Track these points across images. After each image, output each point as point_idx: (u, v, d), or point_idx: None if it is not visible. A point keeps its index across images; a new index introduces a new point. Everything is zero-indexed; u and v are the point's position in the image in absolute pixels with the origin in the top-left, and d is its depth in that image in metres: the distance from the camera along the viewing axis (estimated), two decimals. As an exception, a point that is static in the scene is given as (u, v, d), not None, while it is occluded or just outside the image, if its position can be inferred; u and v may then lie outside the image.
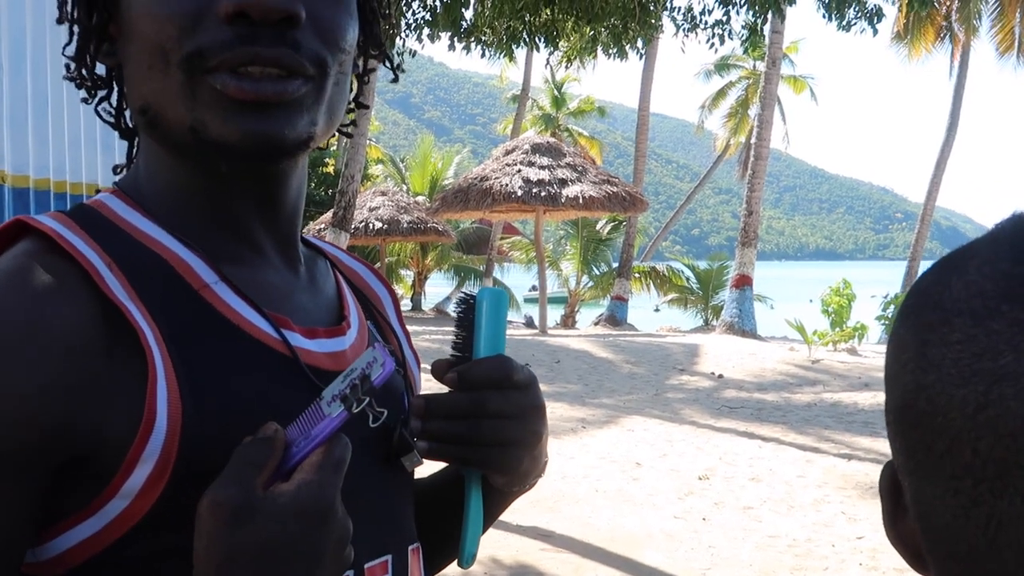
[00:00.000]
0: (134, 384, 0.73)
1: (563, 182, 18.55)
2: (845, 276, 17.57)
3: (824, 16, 10.06)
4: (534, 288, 31.38)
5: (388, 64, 1.03)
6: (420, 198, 27.59)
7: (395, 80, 1.08)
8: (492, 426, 0.89)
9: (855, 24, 10.21)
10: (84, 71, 0.88)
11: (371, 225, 22.25)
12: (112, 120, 0.93)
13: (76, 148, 2.87)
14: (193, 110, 0.78)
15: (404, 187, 30.49)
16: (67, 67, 0.90)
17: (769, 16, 10.84)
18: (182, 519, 0.73)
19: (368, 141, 20.70)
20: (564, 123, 39.92)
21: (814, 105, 42.46)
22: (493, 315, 0.91)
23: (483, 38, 10.31)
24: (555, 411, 10.38)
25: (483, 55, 11.36)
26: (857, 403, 11.16)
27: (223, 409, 0.77)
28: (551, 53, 11.01)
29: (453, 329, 0.94)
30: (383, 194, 23.96)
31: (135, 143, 0.94)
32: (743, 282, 19.13)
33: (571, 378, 12.78)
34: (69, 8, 0.87)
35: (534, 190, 18.30)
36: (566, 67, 11.51)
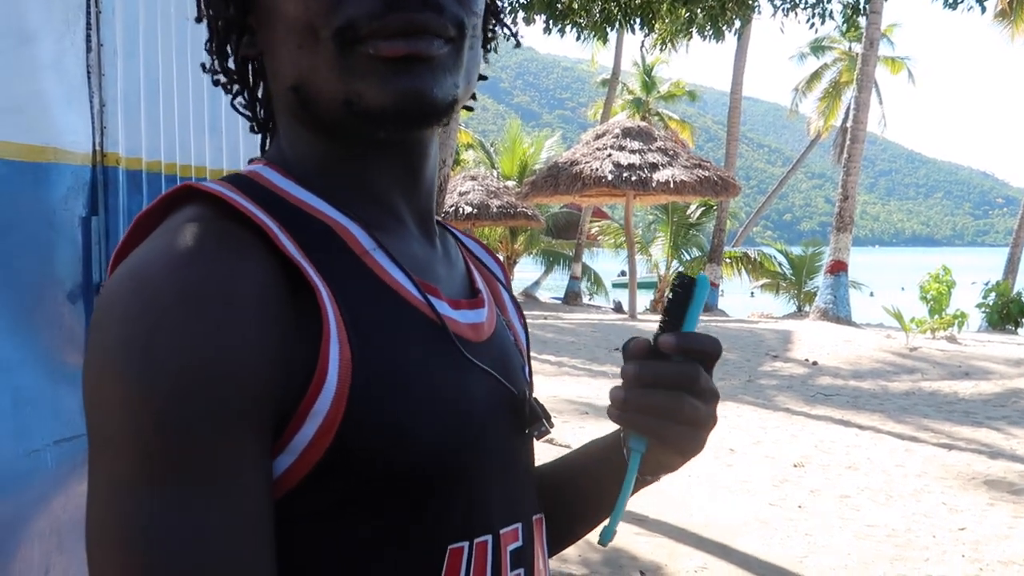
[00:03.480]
0: (308, 341, 0.74)
1: (654, 166, 18.41)
2: (943, 262, 17.13)
3: (931, -7, 9.78)
4: (623, 273, 31.22)
5: (508, 31, 1.03)
6: (510, 183, 27.61)
7: (517, 45, 1.08)
8: (693, 404, 0.89)
9: (962, 2, 9.91)
10: (225, 65, 0.92)
11: (461, 210, 22.36)
12: (247, 112, 0.96)
13: (185, 131, 2.92)
14: (347, 82, 0.80)
15: (494, 172, 30.50)
16: (203, 65, 0.93)
17: (871, -6, 10.57)
18: (345, 476, 0.75)
19: (459, 126, 20.79)
20: (654, 107, 39.57)
21: (910, 87, 41.42)
22: (700, 300, 0.91)
23: (578, 21, 10.24)
24: (646, 396, 10.33)
25: (578, 38, 11.28)
26: (957, 392, 10.89)
27: (388, 370, 0.78)
28: (646, 35, 10.88)
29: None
30: (473, 179, 24.06)
31: (266, 134, 0.97)
32: (838, 268, 18.78)
33: (662, 363, 12.66)
34: (208, 5, 0.89)
35: (624, 174, 18.19)
36: (660, 50, 11.33)
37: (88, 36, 2.54)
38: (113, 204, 2.60)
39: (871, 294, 23.90)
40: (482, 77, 0.92)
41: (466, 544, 0.83)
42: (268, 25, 0.85)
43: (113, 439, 0.69)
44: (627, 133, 19.38)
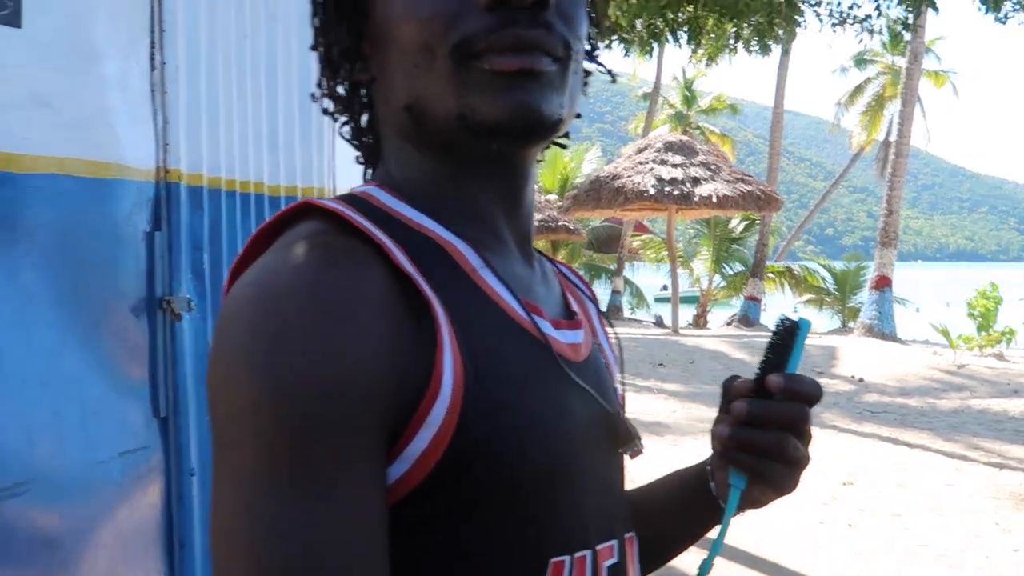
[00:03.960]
0: (424, 352, 0.76)
1: (696, 180, 18.33)
2: (988, 278, 16.90)
3: (981, 8, 9.65)
4: (665, 288, 31.07)
5: (602, 68, 1.07)
6: (551, 196, 27.62)
7: (613, 81, 1.11)
8: (796, 445, 0.93)
9: (1012, 16, 9.80)
10: (336, 93, 0.95)
11: (503, 224, 22.35)
12: (351, 139, 0.99)
13: (244, 148, 2.96)
14: (462, 97, 0.82)
15: (535, 186, 30.45)
16: (312, 96, 0.97)
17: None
18: (454, 486, 0.76)
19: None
20: (695, 120, 39.45)
21: (954, 101, 40.99)
22: (802, 343, 0.94)
23: (625, 36, 10.25)
24: (692, 411, 10.27)
25: (626, 54, 11.31)
26: (1007, 411, 10.73)
27: (498, 384, 0.80)
28: (693, 51, 10.85)
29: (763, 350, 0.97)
30: (515, 193, 24.03)
31: (367, 161, 1.01)
32: (883, 283, 18.60)
33: (706, 378, 12.60)
34: (323, 34, 0.93)
35: (666, 188, 18.13)
36: (705, 64, 11.31)
37: (152, 55, 2.58)
38: (175, 219, 2.64)
39: (917, 310, 23.57)
40: (577, 115, 0.94)
41: (567, 558, 0.84)
42: (383, 49, 0.88)
43: (238, 440, 0.72)
44: (669, 147, 19.32)
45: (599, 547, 0.89)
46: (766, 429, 0.93)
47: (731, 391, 0.97)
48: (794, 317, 0.96)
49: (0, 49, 2.09)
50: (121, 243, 2.47)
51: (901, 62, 23.10)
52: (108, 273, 2.44)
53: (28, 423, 2.16)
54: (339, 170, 3.45)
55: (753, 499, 1.01)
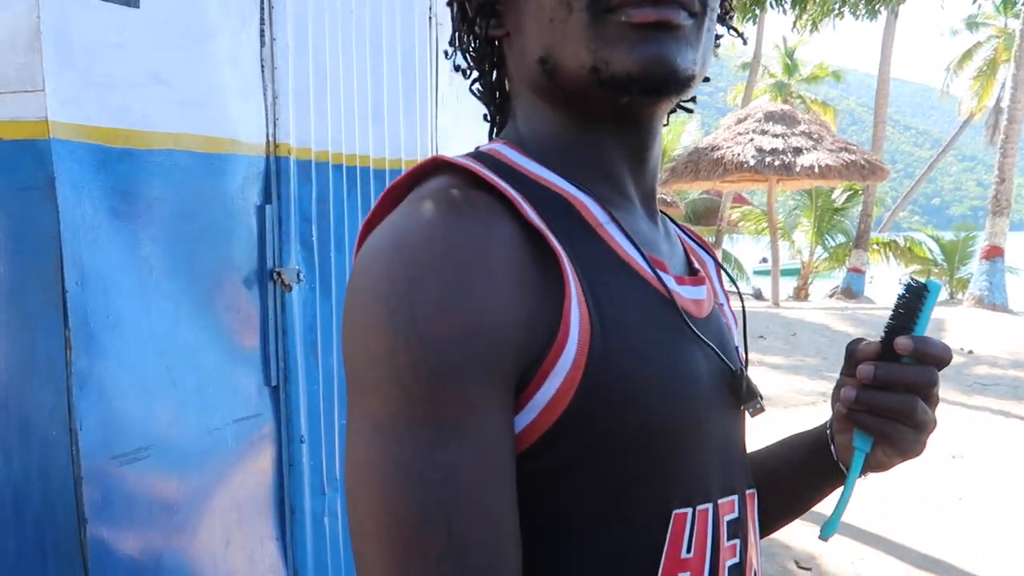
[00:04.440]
0: (551, 303, 0.77)
1: (798, 150, 17.94)
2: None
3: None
4: (764, 260, 30.60)
5: (734, 32, 1.07)
6: (648, 169, 27.31)
7: (744, 43, 1.11)
8: (924, 408, 0.93)
9: None
10: (469, 50, 0.98)
11: (600, 197, 22.26)
12: (481, 95, 1.02)
13: (351, 122, 3.00)
14: (596, 50, 0.83)
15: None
16: (446, 53, 1.00)
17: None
18: (580, 436, 0.78)
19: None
20: (796, 90, 38.65)
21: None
22: (931, 306, 0.93)
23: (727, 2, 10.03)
24: (794, 384, 10.13)
25: (728, 17, 11.09)
26: None
27: (624, 335, 0.80)
28: (797, 16, 10.62)
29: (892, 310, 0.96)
30: (612, 166, 23.90)
31: (494, 120, 1.04)
32: (994, 253, 18.01)
33: (808, 351, 12.39)
34: None
35: (767, 159, 17.79)
36: (809, 31, 11.04)
37: (262, 31, 2.64)
38: (285, 193, 2.70)
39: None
40: (705, 79, 0.94)
41: (689, 511, 0.85)
42: (518, 4, 0.90)
43: (374, 385, 0.74)
44: (770, 117, 18.93)
45: (720, 501, 0.90)
46: (893, 392, 0.92)
47: (856, 354, 0.97)
48: (922, 279, 0.94)
49: (119, 29, 2.15)
50: (233, 216, 2.53)
51: (1015, 24, 22.22)
52: (221, 245, 2.51)
53: (147, 391, 2.24)
54: (441, 142, 3.47)
55: (877, 462, 1.01)
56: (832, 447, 1.07)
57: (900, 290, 0.95)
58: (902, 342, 0.92)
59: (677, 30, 0.83)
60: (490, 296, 0.74)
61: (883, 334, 0.95)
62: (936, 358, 0.92)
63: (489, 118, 1.04)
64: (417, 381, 0.72)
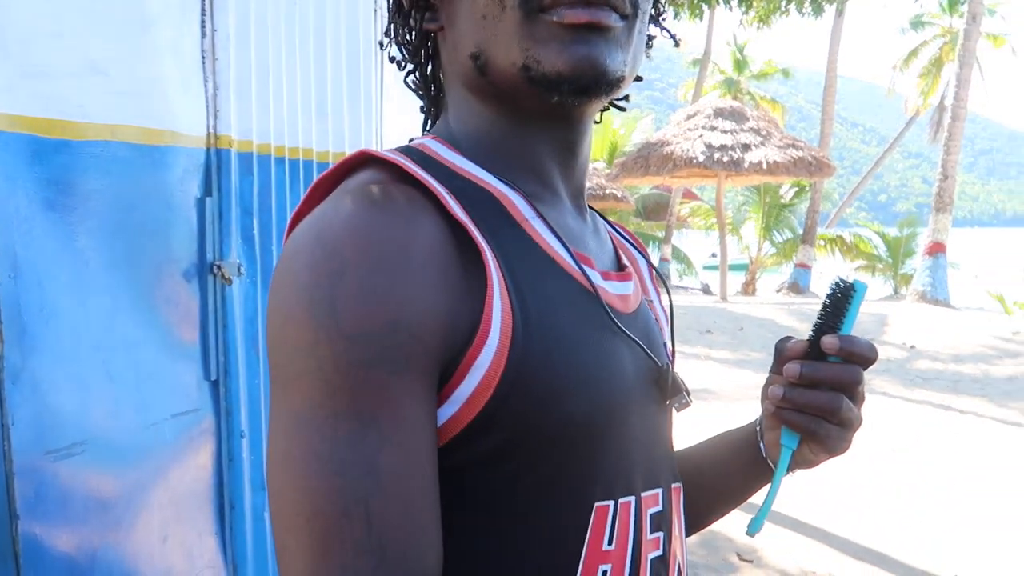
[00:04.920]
0: (474, 297, 0.79)
1: (746, 147, 18.09)
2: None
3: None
4: (714, 255, 30.84)
5: (667, 33, 1.08)
6: (599, 164, 27.46)
7: (676, 45, 1.12)
8: (849, 405, 0.95)
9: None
10: (404, 42, 1.00)
11: (550, 190, 22.26)
12: (416, 87, 1.03)
13: (293, 114, 2.98)
14: (528, 49, 0.85)
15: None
16: (381, 44, 1.02)
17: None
18: (502, 429, 0.78)
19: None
20: (745, 86, 38.97)
21: (1012, 64, 40.07)
22: (858, 305, 0.95)
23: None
24: (740, 378, 10.23)
25: (676, 16, 11.20)
26: (1063, 378, 10.57)
27: (547, 329, 0.81)
28: (744, 13, 10.71)
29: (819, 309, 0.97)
30: (562, 160, 23.89)
31: (428, 113, 1.05)
32: (937, 249, 18.31)
33: (755, 345, 12.52)
34: None
35: (716, 155, 17.92)
36: (756, 28, 11.15)
37: (203, 22, 2.61)
38: (225, 185, 2.67)
39: (975, 276, 23.15)
40: (638, 78, 0.95)
41: (611, 503, 0.86)
42: (452, 1, 0.91)
43: (296, 376, 0.75)
44: (719, 113, 19.08)
45: (644, 495, 0.91)
46: (820, 390, 0.94)
47: (784, 352, 0.98)
48: (849, 279, 0.96)
49: (56, 17, 2.11)
50: (173, 209, 2.50)
51: (960, 23, 22.57)
52: (160, 238, 2.48)
53: (83, 385, 2.20)
54: (386, 136, 3.46)
55: (804, 459, 1.03)
56: (761, 444, 1.09)
57: (828, 289, 0.97)
58: (828, 341, 0.93)
59: (608, 32, 0.85)
60: (410, 290, 0.75)
61: (811, 333, 0.97)
62: (862, 357, 0.94)
63: (425, 110, 1.05)
64: (338, 373, 0.73)
